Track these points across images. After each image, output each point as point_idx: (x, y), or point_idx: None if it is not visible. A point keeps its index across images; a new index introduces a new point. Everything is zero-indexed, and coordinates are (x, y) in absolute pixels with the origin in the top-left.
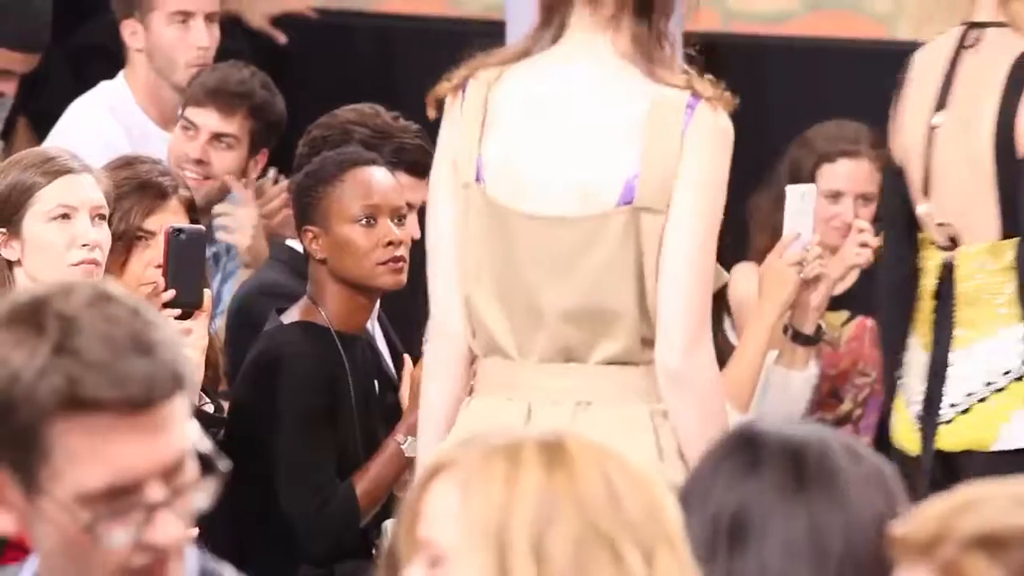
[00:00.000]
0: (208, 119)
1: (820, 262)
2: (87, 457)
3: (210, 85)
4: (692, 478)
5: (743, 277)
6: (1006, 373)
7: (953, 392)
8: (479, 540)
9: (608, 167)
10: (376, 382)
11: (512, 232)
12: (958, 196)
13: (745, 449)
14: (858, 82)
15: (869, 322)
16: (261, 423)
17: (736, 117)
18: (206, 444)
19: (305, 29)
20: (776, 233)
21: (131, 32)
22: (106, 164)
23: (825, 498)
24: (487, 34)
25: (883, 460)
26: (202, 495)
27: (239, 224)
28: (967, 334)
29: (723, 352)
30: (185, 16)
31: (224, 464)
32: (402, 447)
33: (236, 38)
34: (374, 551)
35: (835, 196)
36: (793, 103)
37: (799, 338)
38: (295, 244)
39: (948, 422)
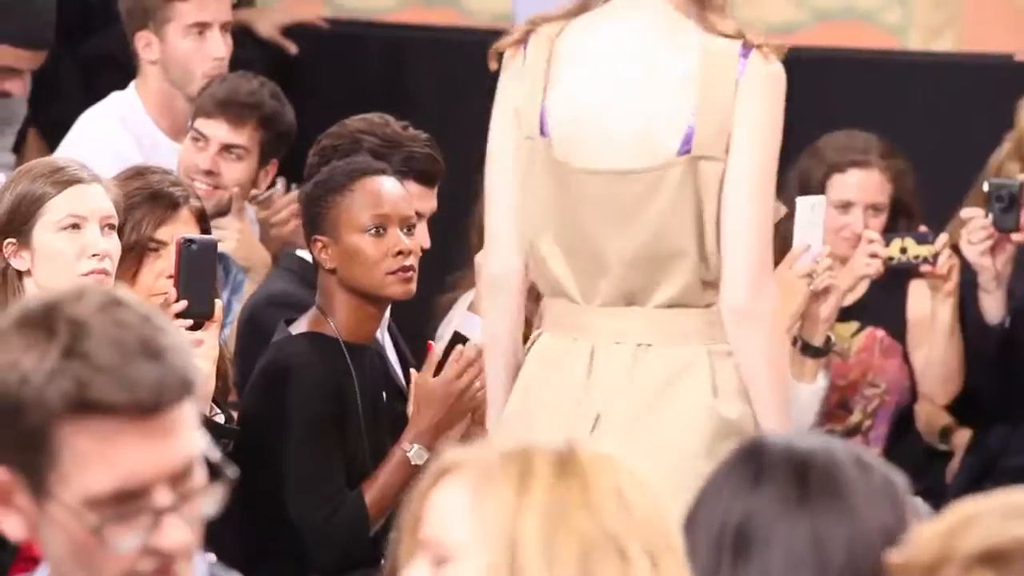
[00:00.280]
0: (218, 130)
1: (830, 274)
2: (95, 461)
3: (220, 96)
4: (701, 490)
5: None
6: None
7: None
8: (489, 539)
9: (665, 118)
10: (384, 392)
11: (575, 186)
12: None
13: (751, 461)
14: (868, 92)
15: (879, 333)
16: (269, 433)
17: None
18: (215, 452)
19: (315, 39)
20: (786, 244)
21: (145, 44)
22: (117, 174)
23: (829, 509)
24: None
25: (893, 471)
26: (210, 501)
27: (224, 231)
28: None
29: None
30: (202, 27)
31: (232, 471)
32: (408, 455)
33: (247, 48)
34: (383, 560)
35: (845, 206)
36: (803, 113)
37: (808, 350)
38: (304, 254)
39: None
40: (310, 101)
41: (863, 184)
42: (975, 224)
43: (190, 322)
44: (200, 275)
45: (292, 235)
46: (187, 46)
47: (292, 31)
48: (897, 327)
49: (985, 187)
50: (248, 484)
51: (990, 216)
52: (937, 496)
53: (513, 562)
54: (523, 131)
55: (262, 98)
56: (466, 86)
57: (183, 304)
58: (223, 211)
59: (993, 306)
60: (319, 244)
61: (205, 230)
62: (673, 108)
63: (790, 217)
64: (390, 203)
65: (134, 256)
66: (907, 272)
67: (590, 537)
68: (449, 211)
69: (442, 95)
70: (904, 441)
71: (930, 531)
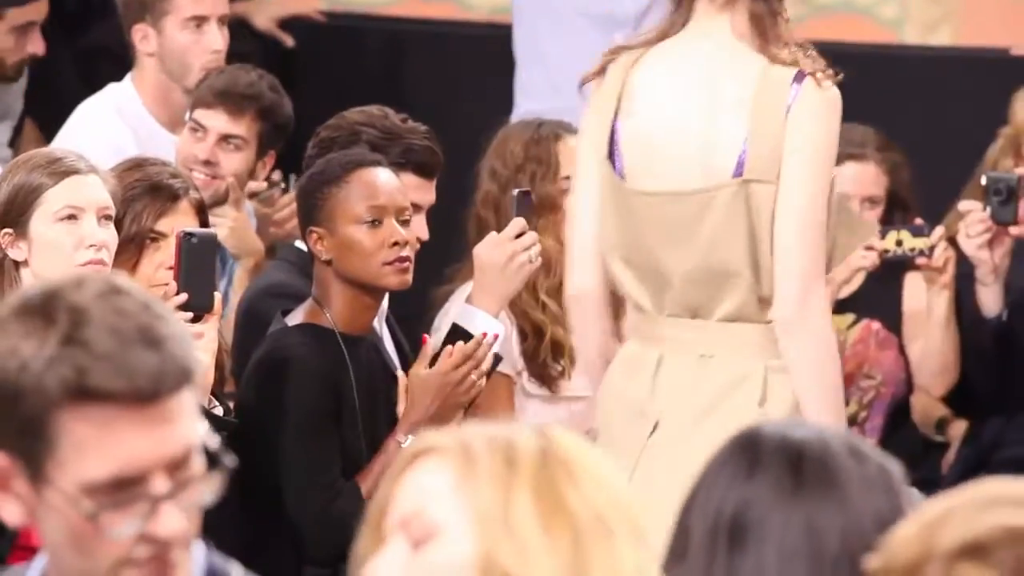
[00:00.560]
0: (216, 121)
1: None
2: (93, 447)
3: (218, 87)
4: (696, 480)
5: None
6: None
7: None
8: (481, 518)
9: (721, 143)
10: (381, 383)
11: (636, 207)
12: None
13: (745, 451)
14: (864, 86)
15: (875, 325)
16: (265, 425)
17: None
18: (213, 440)
19: (312, 32)
20: None
21: (142, 36)
22: (116, 166)
23: (823, 498)
24: (494, 37)
25: (888, 459)
26: (207, 489)
27: (218, 219)
28: None
29: None
30: (199, 21)
31: (230, 460)
32: (403, 447)
33: (244, 40)
34: None
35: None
36: None
37: None
38: (303, 245)
39: None
40: (307, 94)
41: (859, 177)
42: (973, 217)
43: (190, 315)
44: (200, 268)
45: (292, 232)
46: (184, 39)
47: (289, 24)
48: (893, 319)
49: (983, 180)
50: (245, 475)
51: (988, 209)
52: (933, 487)
53: (511, 538)
54: (596, 156)
55: (261, 89)
56: (464, 79)
57: (183, 297)
58: (220, 201)
59: (990, 299)
60: (315, 235)
61: (204, 222)
62: (729, 133)
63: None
64: (386, 194)
65: (134, 248)
66: (903, 264)
67: (581, 517)
68: (447, 203)
69: (440, 88)
70: (900, 432)
71: (907, 531)
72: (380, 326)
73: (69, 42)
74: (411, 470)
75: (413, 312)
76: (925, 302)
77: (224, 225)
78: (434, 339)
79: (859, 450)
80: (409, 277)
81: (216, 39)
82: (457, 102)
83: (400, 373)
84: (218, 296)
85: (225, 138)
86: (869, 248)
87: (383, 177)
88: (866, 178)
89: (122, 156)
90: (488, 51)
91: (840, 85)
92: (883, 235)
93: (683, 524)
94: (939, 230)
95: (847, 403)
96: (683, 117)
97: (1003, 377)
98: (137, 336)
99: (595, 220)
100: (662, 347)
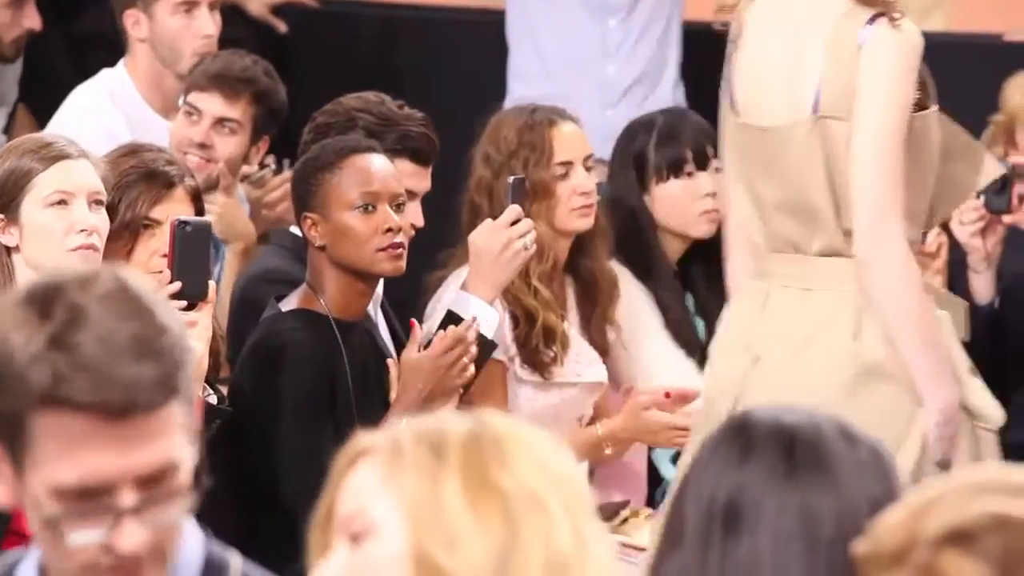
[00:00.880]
0: (212, 104)
1: None
2: (62, 454)
3: (213, 71)
4: (689, 466)
5: None
6: None
7: None
8: (410, 509)
9: (802, 80)
10: (375, 368)
11: (739, 138)
12: None
13: (738, 436)
14: None
15: None
16: (259, 410)
17: None
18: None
19: (306, 17)
20: None
21: (134, 22)
22: (111, 152)
23: (817, 483)
24: (487, 23)
25: (880, 443)
26: (178, 508)
27: (208, 204)
28: None
29: None
30: (190, 6)
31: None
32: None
33: (237, 26)
34: None
35: None
36: None
37: None
38: (297, 231)
39: None
40: (301, 80)
41: None
42: (966, 205)
43: (184, 303)
44: (194, 257)
45: (284, 214)
46: (175, 24)
47: (282, 9)
48: None
49: None
50: (239, 460)
51: (981, 198)
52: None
53: (439, 526)
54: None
55: (256, 74)
56: (457, 65)
57: (176, 285)
58: (212, 186)
59: (982, 286)
60: (309, 221)
61: (199, 209)
62: (809, 70)
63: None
64: (379, 180)
65: (128, 235)
66: None
67: (511, 494)
68: (440, 189)
69: (433, 74)
70: None
71: (894, 517)
72: (375, 312)
73: (62, 28)
74: (349, 472)
75: (407, 298)
76: None
77: (212, 211)
78: (427, 324)
79: (851, 434)
80: (403, 263)
81: (207, 24)
82: (450, 87)
83: (391, 360)
84: (212, 284)
85: (220, 121)
86: None
87: (377, 163)
88: None
89: (115, 142)
90: (481, 37)
91: None
92: None
93: (677, 510)
94: None
95: None
96: (772, 53)
97: (995, 364)
98: (128, 346)
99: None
100: (770, 282)
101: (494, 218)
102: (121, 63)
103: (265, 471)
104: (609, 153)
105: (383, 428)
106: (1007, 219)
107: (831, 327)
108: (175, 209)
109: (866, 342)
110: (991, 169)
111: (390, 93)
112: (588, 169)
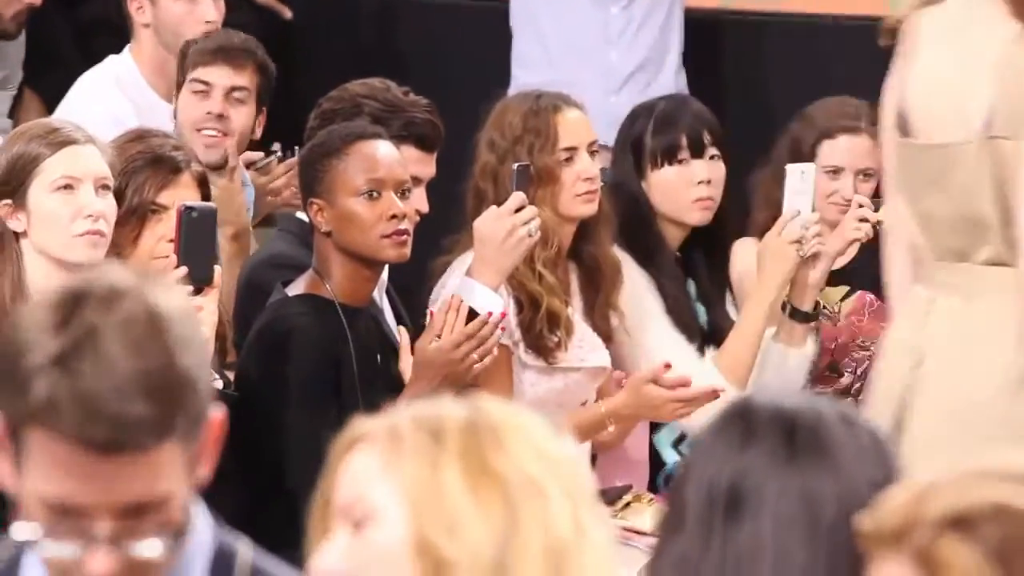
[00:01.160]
0: (221, 75)
1: (819, 240)
2: (45, 471)
3: (214, 45)
4: (690, 452)
5: (744, 253)
6: None
7: None
8: (411, 494)
9: (972, 99)
10: (380, 354)
11: (903, 152)
12: None
13: (739, 421)
14: (859, 59)
15: (869, 296)
16: (266, 395)
17: (737, 94)
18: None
19: (312, 3)
20: (777, 209)
21: (138, 7)
22: (118, 137)
23: (818, 467)
24: (491, 9)
25: (879, 428)
26: (164, 539)
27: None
28: None
29: (722, 328)
30: None
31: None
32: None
33: (242, 12)
34: None
35: (835, 172)
36: (794, 80)
37: (797, 315)
38: (304, 216)
39: None
40: (306, 66)
41: (853, 149)
42: None
43: (190, 288)
44: (200, 242)
45: (289, 200)
46: (178, 10)
47: None
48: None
49: None
50: (244, 445)
51: None
52: None
53: (440, 511)
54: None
55: (253, 45)
56: (462, 51)
57: (183, 270)
58: (225, 163)
59: None
60: (315, 207)
61: (206, 195)
62: (980, 91)
63: None
64: (385, 167)
65: (135, 220)
66: None
67: (511, 480)
68: (445, 175)
69: (438, 60)
70: None
71: (899, 495)
72: (380, 298)
73: (69, 13)
74: (347, 458)
75: (412, 283)
76: None
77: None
78: (434, 310)
79: (850, 419)
80: (407, 250)
81: (209, 10)
82: (455, 74)
83: (404, 335)
84: (218, 269)
85: (232, 90)
86: (863, 220)
87: (383, 150)
88: (861, 151)
89: (122, 128)
90: (485, 23)
91: (834, 58)
92: (877, 207)
93: (678, 495)
94: None
95: (842, 375)
96: (943, 70)
97: None
98: (130, 382)
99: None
100: (935, 290)
101: (499, 204)
102: (127, 49)
103: (270, 455)
104: (613, 139)
105: (382, 413)
106: None
107: (995, 334)
108: (182, 194)
109: None
110: None
111: (395, 79)
112: (592, 155)
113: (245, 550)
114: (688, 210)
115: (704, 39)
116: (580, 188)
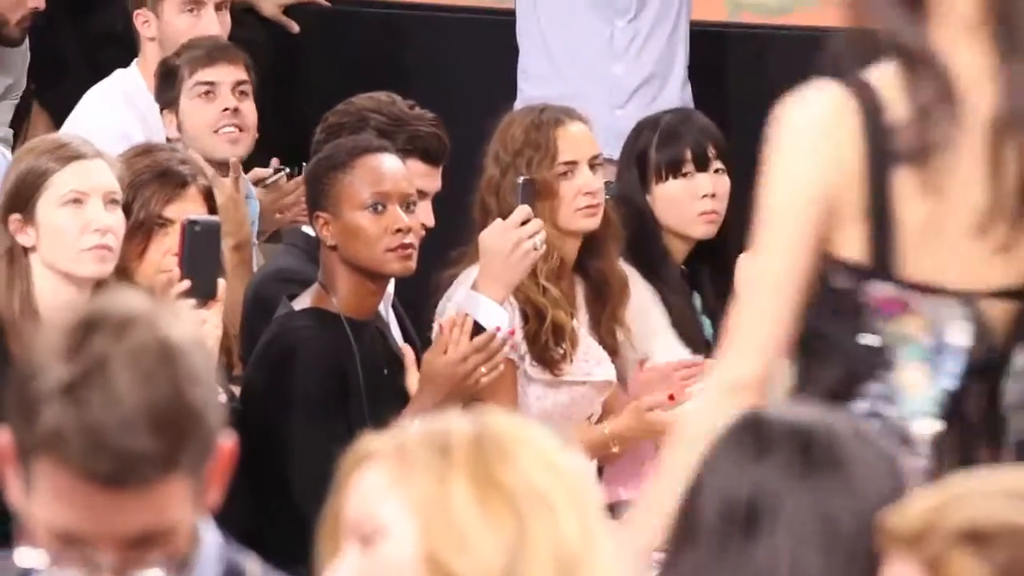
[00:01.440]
0: (224, 73)
1: None
2: (50, 498)
3: (207, 47)
4: (700, 463)
5: (749, 266)
6: None
7: None
8: (419, 509)
9: None
10: (386, 367)
11: None
12: None
13: (752, 434)
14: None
15: None
16: (272, 409)
17: (742, 108)
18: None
19: (319, 18)
20: None
21: (143, 21)
22: (125, 152)
23: (834, 482)
24: (498, 23)
25: (890, 443)
26: (158, 574)
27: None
28: None
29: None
30: (196, 5)
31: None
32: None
33: (250, 27)
34: None
35: None
36: None
37: None
38: (310, 230)
39: None
40: (312, 80)
41: None
42: None
43: (194, 302)
44: (204, 256)
45: (297, 218)
46: (181, 24)
47: (294, 10)
48: None
49: None
50: (250, 459)
51: None
52: None
53: (448, 526)
54: None
55: (234, 45)
56: (468, 65)
57: (187, 284)
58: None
59: None
60: (321, 220)
61: (212, 208)
62: None
63: None
64: (390, 180)
65: (142, 234)
66: None
67: (519, 493)
68: (451, 189)
69: (444, 74)
70: None
71: (924, 500)
72: (386, 311)
73: (76, 27)
74: (355, 475)
75: (418, 297)
76: None
77: (218, 198)
78: (438, 324)
79: (862, 433)
80: (412, 263)
81: (213, 24)
82: (461, 88)
83: (408, 351)
84: (222, 283)
85: (236, 85)
86: None
87: (388, 163)
88: None
89: (129, 142)
90: (492, 36)
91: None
92: None
93: (690, 509)
94: None
95: None
96: None
97: None
98: (137, 415)
99: None
100: None
101: (501, 217)
102: (134, 63)
103: (277, 470)
104: (619, 153)
105: (389, 430)
106: None
107: None
108: (188, 208)
109: None
110: None
111: (401, 93)
112: (595, 169)
113: (254, 567)
114: (693, 223)
115: (710, 53)
116: (580, 202)
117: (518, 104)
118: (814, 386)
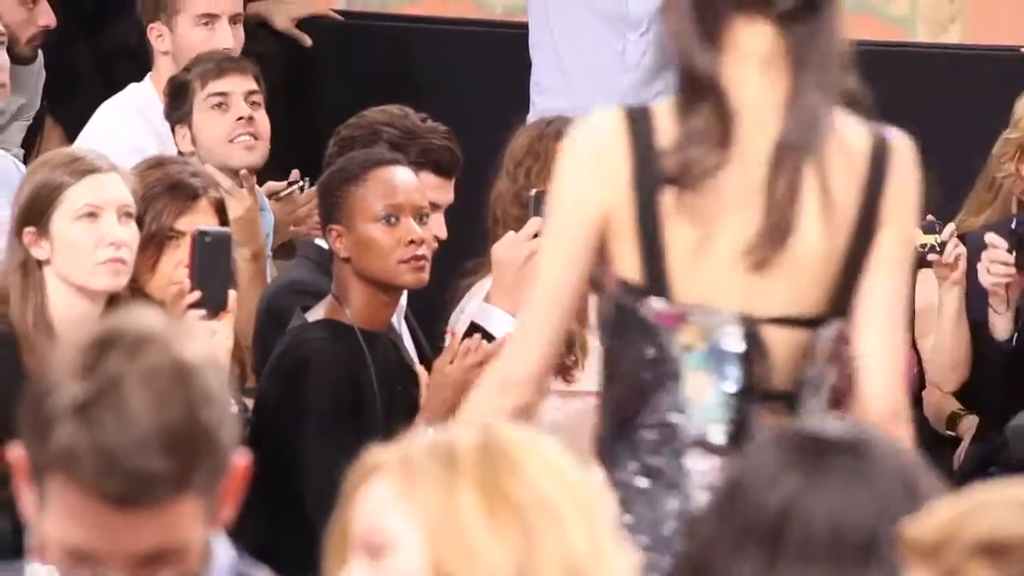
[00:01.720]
0: (236, 84)
1: None
2: (62, 516)
3: (214, 60)
4: (742, 469)
5: None
6: None
7: None
8: (426, 521)
9: None
10: (399, 379)
11: None
12: None
13: (807, 448)
14: (875, 85)
15: None
16: (286, 420)
17: None
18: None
19: (332, 31)
20: None
21: (157, 35)
22: (137, 165)
23: (854, 492)
24: (510, 36)
25: (910, 456)
26: None
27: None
28: None
29: None
30: (210, 19)
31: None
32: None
33: (262, 41)
34: None
35: None
36: None
37: None
38: (323, 243)
39: None
40: (325, 93)
41: None
42: (996, 256)
43: (204, 313)
44: (214, 267)
45: (311, 230)
46: (195, 37)
47: (307, 24)
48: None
49: (1013, 225)
50: (263, 471)
51: (1014, 255)
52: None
53: (457, 538)
54: None
55: (244, 57)
56: (480, 78)
57: (197, 295)
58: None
59: (1001, 324)
60: (334, 233)
61: (224, 220)
62: None
63: None
64: (403, 193)
65: (154, 246)
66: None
67: (527, 503)
68: (464, 201)
69: (456, 87)
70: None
71: (944, 510)
72: (399, 323)
73: (90, 42)
74: (362, 488)
75: (431, 308)
76: (936, 299)
77: (237, 211)
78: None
79: (894, 447)
80: (425, 275)
81: (227, 38)
82: (473, 101)
83: (420, 368)
84: (233, 294)
85: (249, 95)
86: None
87: (401, 176)
88: None
89: (143, 156)
90: (504, 50)
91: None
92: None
93: (733, 513)
94: (950, 227)
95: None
96: None
97: (1012, 401)
98: (150, 437)
99: None
100: None
101: (506, 228)
102: (148, 77)
103: (290, 482)
104: None
105: (397, 441)
106: None
107: None
108: (200, 220)
109: None
110: None
111: (414, 106)
112: None
113: None
114: None
115: None
116: None
117: (531, 117)
118: (609, 400)
